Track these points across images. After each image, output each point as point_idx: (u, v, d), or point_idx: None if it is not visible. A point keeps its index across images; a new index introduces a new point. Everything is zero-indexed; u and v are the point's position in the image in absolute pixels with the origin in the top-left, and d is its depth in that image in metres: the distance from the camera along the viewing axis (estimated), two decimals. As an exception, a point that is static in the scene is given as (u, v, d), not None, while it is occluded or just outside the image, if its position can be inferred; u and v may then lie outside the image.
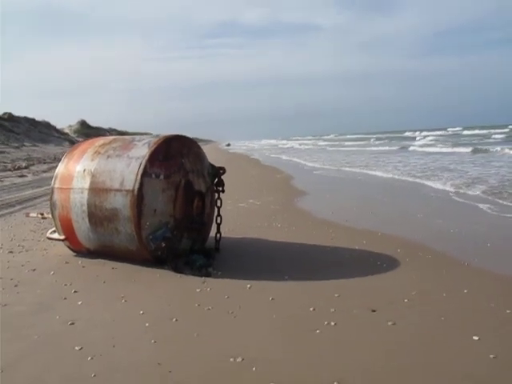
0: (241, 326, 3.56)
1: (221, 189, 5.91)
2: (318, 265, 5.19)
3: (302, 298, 4.12)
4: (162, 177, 4.97)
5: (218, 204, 5.87)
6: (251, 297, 4.20)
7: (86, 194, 5.14)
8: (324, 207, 9.55)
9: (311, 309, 3.83)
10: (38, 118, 50.55)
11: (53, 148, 38.92)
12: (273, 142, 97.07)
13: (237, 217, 8.46)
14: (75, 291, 4.37)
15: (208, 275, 4.84)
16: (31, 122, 47.87)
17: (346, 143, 61.09)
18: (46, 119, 53.18)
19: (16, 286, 4.56)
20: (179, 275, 4.82)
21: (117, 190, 4.94)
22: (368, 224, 7.52)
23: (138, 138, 5.53)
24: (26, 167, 19.73)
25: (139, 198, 4.79)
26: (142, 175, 4.83)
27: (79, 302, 4.09)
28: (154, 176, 4.91)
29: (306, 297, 4.15)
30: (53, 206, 5.51)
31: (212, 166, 5.94)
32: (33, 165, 21.14)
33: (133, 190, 4.82)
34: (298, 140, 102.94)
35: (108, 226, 5.04)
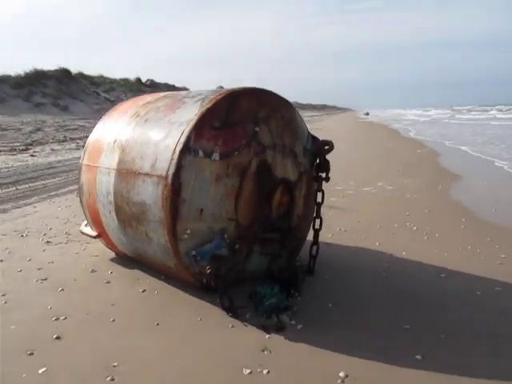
0: None
1: (323, 175, 3.74)
2: (483, 331, 2.80)
3: None
4: (216, 155, 3.00)
5: (319, 199, 3.73)
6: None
7: (112, 177, 3.43)
8: (486, 200, 6.72)
9: None
10: (178, 84, 52.67)
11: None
12: (419, 112, 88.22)
13: (356, 208, 6.17)
14: (57, 337, 2.69)
15: (279, 328, 2.81)
16: (171, 88, 49.89)
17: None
18: (186, 86, 55.18)
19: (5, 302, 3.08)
20: (230, 324, 2.85)
21: (146, 175, 3.11)
22: None
23: (194, 92, 3.60)
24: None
25: (175, 190, 2.90)
26: (182, 152, 2.91)
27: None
28: (201, 154, 2.95)
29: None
30: (80, 190, 3.94)
31: (313, 138, 3.78)
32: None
33: (165, 177, 2.94)
34: (461, 109, 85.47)
35: (137, 228, 3.28)
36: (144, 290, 3.40)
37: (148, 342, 2.65)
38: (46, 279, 3.61)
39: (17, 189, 7.68)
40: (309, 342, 2.62)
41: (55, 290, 3.39)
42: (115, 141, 3.53)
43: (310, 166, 3.72)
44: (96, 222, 3.80)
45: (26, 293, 3.36)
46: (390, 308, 3.09)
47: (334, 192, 7.40)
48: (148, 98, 3.92)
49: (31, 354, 2.52)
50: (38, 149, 13.58)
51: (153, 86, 45.07)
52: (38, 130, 19.16)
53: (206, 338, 2.69)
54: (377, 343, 2.62)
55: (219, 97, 3.14)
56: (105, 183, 3.50)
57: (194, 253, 3.04)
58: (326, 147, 3.74)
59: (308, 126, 3.84)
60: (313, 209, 3.75)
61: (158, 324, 2.86)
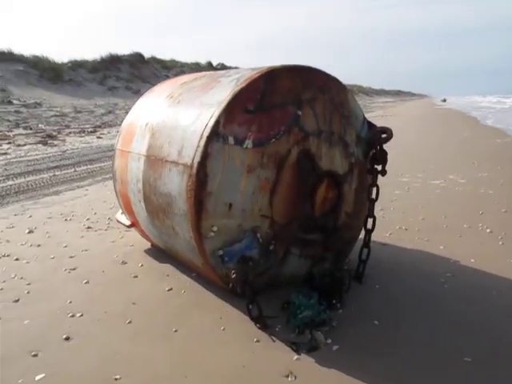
0: None
1: (379, 168, 3.24)
2: None
3: None
4: (248, 143, 2.61)
5: (373, 195, 3.24)
6: None
7: (142, 164, 3.15)
8: None
9: None
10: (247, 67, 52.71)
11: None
12: (501, 99, 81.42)
13: (421, 204, 5.54)
14: (66, 337, 2.47)
15: (311, 348, 2.40)
16: (240, 72, 49.91)
17: None
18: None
19: (16, 300, 2.93)
20: (255, 338, 2.48)
21: (173, 163, 2.79)
22: None
23: (233, 71, 3.21)
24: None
25: (200, 182, 2.55)
26: (209, 139, 2.55)
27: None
28: (232, 141, 2.57)
29: None
30: (113, 177, 3.72)
31: (369, 125, 3.29)
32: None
33: (191, 166, 2.60)
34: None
35: (164, 221, 2.98)
36: (170, 289, 3.12)
37: (160, 351, 2.35)
38: (74, 269, 3.44)
39: (75, 170, 7.77)
40: (342, 369, 2.19)
41: (80, 282, 3.20)
42: (147, 124, 3.24)
43: (363, 157, 3.23)
44: (128, 210, 3.57)
45: (51, 283, 3.20)
46: (448, 332, 2.57)
47: (399, 184, 6.76)
48: (186, 77, 3.60)
49: (35, 355, 2.31)
50: (105, 131, 13.92)
51: (224, 69, 45.32)
52: (110, 112, 19.79)
53: (226, 353, 2.34)
54: (427, 380, 2.13)
55: (256, 75, 2.73)
56: (135, 170, 3.24)
57: (221, 252, 2.69)
58: (384, 136, 3.22)
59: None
60: (365, 206, 3.26)
61: (176, 330, 2.55)
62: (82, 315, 2.72)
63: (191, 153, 2.61)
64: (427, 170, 7.96)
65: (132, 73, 30.40)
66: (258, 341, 2.44)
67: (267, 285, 2.93)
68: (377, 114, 25.67)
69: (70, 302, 2.89)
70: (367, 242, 3.26)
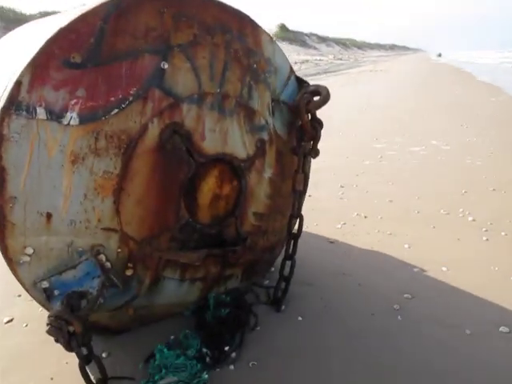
0: None
1: (310, 147, 2.24)
2: None
3: None
4: (72, 116, 1.60)
5: (299, 186, 2.25)
6: None
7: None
8: None
9: None
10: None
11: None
12: (502, 54, 78.36)
13: (391, 179, 4.59)
14: None
15: None
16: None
17: None
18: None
19: None
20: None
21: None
22: None
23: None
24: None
25: (-10, 179, 1.55)
26: (4, 112, 1.52)
27: None
28: (42, 114, 1.56)
29: None
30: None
31: (298, 82, 2.28)
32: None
33: (-23, 154, 1.59)
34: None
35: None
36: (10, 320, 2.19)
37: None
38: None
39: None
40: None
41: None
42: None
43: (286, 131, 2.24)
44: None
45: None
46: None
47: (370, 152, 5.78)
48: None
49: None
50: None
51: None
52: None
53: None
54: None
55: (94, 6, 1.68)
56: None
57: (45, 284, 1.73)
58: (316, 99, 2.20)
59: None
60: (288, 201, 2.29)
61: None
62: None
63: (-22, 132, 1.60)
64: (407, 134, 6.98)
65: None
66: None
67: (139, 322, 2.02)
68: (365, 69, 24.27)
69: None
70: (291, 253, 2.31)
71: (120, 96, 1.67)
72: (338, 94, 12.67)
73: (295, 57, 40.93)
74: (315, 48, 63.79)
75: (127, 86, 1.68)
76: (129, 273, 1.88)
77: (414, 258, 2.85)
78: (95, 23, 1.64)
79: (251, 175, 2.09)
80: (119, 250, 1.81)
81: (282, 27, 66.87)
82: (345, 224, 3.43)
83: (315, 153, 2.25)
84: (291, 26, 67.30)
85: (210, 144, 1.89)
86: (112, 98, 1.66)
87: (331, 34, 76.02)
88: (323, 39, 74.83)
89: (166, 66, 1.75)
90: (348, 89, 14.02)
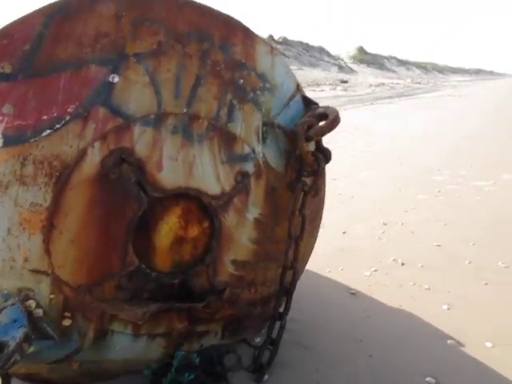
0: None
1: (308, 182, 1.83)
2: None
3: None
4: (-8, 137, 1.33)
5: (293, 231, 1.84)
6: None
7: None
8: None
9: None
10: (313, 43, 50.88)
11: (317, 72, 38.21)
12: None
13: (444, 219, 3.98)
14: None
15: None
16: (304, 46, 48.31)
17: None
18: (322, 45, 52.97)
19: None
20: None
21: None
22: None
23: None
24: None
25: None
26: None
27: None
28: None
29: None
30: None
31: (305, 102, 1.90)
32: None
33: None
34: None
35: None
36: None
37: None
38: None
39: None
40: None
41: None
42: None
43: (281, 161, 1.84)
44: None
45: None
46: None
47: (428, 185, 5.17)
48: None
49: None
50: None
51: (285, 44, 43.85)
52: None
53: None
54: None
55: (39, 7, 1.42)
56: None
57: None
58: (321, 124, 1.80)
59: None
60: (281, 247, 1.88)
61: None
62: None
63: None
64: (475, 166, 6.22)
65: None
66: None
67: (90, 378, 1.71)
68: (443, 94, 22.98)
69: None
70: (282, 312, 1.89)
71: (54, 114, 1.39)
72: (407, 118, 11.93)
73: (371, 79, 40.14)
74: (394, 71, 62.45)
75: (64, 102, 1.39)
76: (66, 323, 1.56)
77: (451, 325, 2.30)
78: (33, 27, 1.38)
79: (228, 215, 1.71)
80: (52, 296, 1.51)
81: (360, 49, 66.10)
82: (376, 271, 2.93)
83: (316, 192, 1.83)
84: (370, 49, 66.51)
85: (168, 175, 1.55)
86: (44, 117, 1.38)
87: (412, 58, 73.99)
88: (403, 62, 73.17)
89: (116, 80, 1.45)
90: (418, 113, 13.17)
